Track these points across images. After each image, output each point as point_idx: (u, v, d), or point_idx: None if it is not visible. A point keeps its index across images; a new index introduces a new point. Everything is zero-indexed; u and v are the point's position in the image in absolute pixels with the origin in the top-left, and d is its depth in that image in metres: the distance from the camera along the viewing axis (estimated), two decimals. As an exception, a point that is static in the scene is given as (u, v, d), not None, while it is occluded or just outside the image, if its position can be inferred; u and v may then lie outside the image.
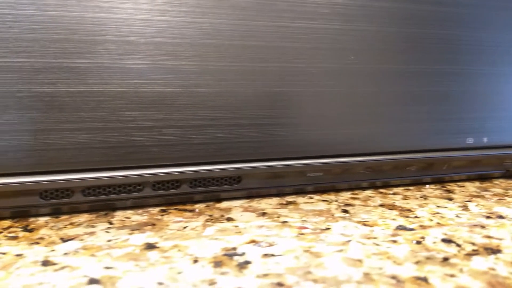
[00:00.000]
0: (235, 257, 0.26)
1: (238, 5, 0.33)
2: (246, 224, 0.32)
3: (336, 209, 0.36)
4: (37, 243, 0.29)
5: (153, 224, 0.32)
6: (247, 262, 0.26)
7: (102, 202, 0.34)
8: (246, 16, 0.34)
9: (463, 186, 0.44)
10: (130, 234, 0.30)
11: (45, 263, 0.26)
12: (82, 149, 0.31)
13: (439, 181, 0.45)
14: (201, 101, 0.33)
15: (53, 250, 0.27)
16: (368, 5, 0.37)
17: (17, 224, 0.32)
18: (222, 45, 0.33)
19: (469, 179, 0.47)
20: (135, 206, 0.36)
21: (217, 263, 0.25)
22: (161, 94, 0.32)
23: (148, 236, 0.30)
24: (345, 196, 0.40)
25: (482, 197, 0.40)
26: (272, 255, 0.27)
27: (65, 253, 0.27)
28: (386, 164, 0.40)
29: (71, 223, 0.32)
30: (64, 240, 0.29)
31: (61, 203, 0.32)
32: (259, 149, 0.35)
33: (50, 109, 0.30)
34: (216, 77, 0.33)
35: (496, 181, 0.47)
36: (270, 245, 0.28)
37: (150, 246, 0.28)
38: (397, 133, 0.39)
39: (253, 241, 0.29)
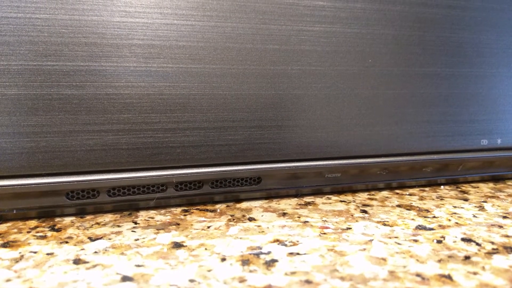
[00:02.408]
0: (262, 256, 0.27)
1: (260, 9, 0.34)
2: (269, 224, 0.33)
3: (355, 209, 0.37)
4: (66, 242, 0.29)
5: (177, 224, 0.33)
6: (274, 261, 0.26)
7: (127, 202, 0.34)
8: (267, 20, 0.34)
9: (478, 187, 0.45)
10: (156, 233, 0.31)
11: (77, 261, 0.26)
12: (108, 150, 0.32)
13: (453, 182, 0.46)
14: (223, 104, 0.34)
15: (82, 249, 0.28)
16: (385, 9, 0.38)
17: (43, 224, 0.33)
18: (244, 48, 0.34)
19: (483, 180, 0.47)
20: (158, 206, 0.36)
21: (245, 261, 0.26)
22: (185, 97, 0.33)
23: (174, 235, 0.30)
24: (362, 197, 0.41)
25: (497, 197, 0.41)
26: (298, 253, 0.27)
27: (95, 252, 0.28)
28: (402, 165, 0.41)
29: (97, 223, 0.33)
30: (92, 239, 0.30)
31: (86, 203, 0.33)
32: (279, 150, 0.36)
33: (78, 111, 0.31)
34: (238, 80, 0.34)
35: (510, 182, 0.47)
36: (294, 244, 0.29)
37: (178, 245, 0.29)
38: (413, 134, 0.40)
39: (277, 240, 0.29)
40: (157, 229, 0.32)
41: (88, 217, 0.34)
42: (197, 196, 0.36)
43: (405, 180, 0.43)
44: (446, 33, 0.40)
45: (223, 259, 0.26)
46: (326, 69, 0.37)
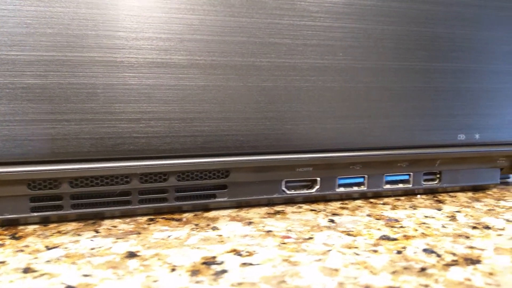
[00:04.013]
0: (213, 266, 0.27)
1: (228, 2, 0.34)
2: (231, 233, 0.32)
3: (323, 218, 0.36)
4: (22, 250, 0.29)
5: (139, 233, 0.32)
6: (224, 271, 0.26)
7: (89, 194, 0.35)
8: (235, 12, 0.34)
9: (455, 197, 0.44)
10: (114, 242, 0.30)
11: (26, 270, 0.26)
12: (70, 140, 0.32)
13: (431, 192, 0.45)
14: (189, 94, 0.34)
15: (36, 258, 0.28)
16: (357, 3, 0.37)
17: (6, 232, 0.32)
18: (212, 40, 0.34)
19: (463, 190, 0.47)
20: (124, 215, 0.36)
21: (194, 272, 0.26)
22: (150, 87, 0.33)
23: (131, 245, 0.30)
24: (334, 206, 0.40)
25: (472, 207, 0.40)
26: (251, 264, 0.27)
27: (48, 261, 0.27)
28: (376, 159, 0.40)
29: (59, 231, 0.33)
30: (48, 248, 0.29)
31: (49, 195, 0.33)
32: (247, 142, 0.36)
33: (41, 100, 0.31)
34: (205, 72, 0.34)
35: (490, 192, 0.46)
36: (250, 254, 0.28)
37: (132, 255, 0.28)
38: (387, 129, 0.39)
39: (234, 250, 0.29)
40: (116, 238, 0.31)
41: (51, 225, 0.34)
42: (164, 189, 0.36)
43: (379, 174, 0.42)
44: (420, 27, 0.40)
45: (173, 269, 0.26)
46: (296, 62, 0.36)
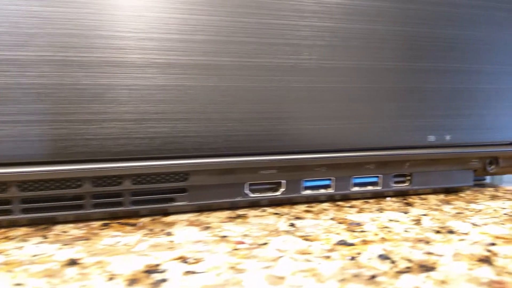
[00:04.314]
0: (154, 275, 0.25)
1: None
2: (184, 239, 0.31)
3: (284, 222, 0.35)
4: (-40, 258, 0.28)
5: (88, 239, 0.31)
6: (163, 280, 0.25)
7: (41, 198, 0.33)
8: (194, 10, 0.33)
9: (426, 199, 0.43)
10: (59, 249, 0.29)
11: (-41, 279, 0.25)
12: (18, 142, 0.31)
13: (402, 194, 0.44)
14: (145, 95, 0.33)
15: (-28, 266, 0.26)
16: (325, 2, 0.36)
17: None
18: (171, 39, 0.33)
19: (435, 192, 0.46)
20: (77, 220, 0.35)
21: (132, 281, 0.25)
22: (103, 87, 0.32)
23: (77, 251, 0.29)
24: (299, 209, 0.39)
25: (441, 210, 0.39)
26: (194, 272, 0.26)
27: (-17, 269, 0.26)
28: (342, 161, 0.39)
29: (6, 237, 0.32)
30: (-11, 255, 0.28)
31: None
32: (207, 144, 0.35)
33: None
34: (163, 71, 0.33)
35: (463, 194, 0.45)
36: (197, 261, 0.27)
37: (73, 262, 0.27)
38: (354, 130, 0.38)
39: (181, 258, 0.28)
40: (63, 244, 0.30)
41: (1, 230, 0.33)
42: (117, 192, 0.35)
43: (347, 176, 0.40)
44: (391, 27, 0.39)
45: (111, 278, 0.25)
46: (260, 62, 0.35)
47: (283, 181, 0.39)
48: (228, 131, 0.35)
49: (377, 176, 0.42)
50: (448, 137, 0.41)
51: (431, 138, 0.41)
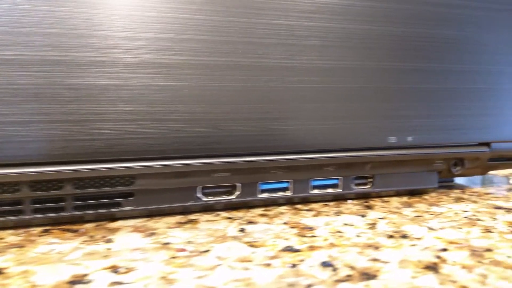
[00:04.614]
0: (77, 286, 0.24)
1: None
2: (123, 246, 0.30)
3: (235, 227, 0.33)
4: None
5: (22, 246, 0.30)
6: (85, 292, 0.23)
7: None
8: (135, 8, 0.31)
9: (388, 202, 0.42)
10: (-11, 258, 0.28)
11: None
12: None
13: (364, 197, 0.43)
14: (86, 94, 0.32)
15: None
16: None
17: None
18: (114, 37, 0.32)
19: (399, 195, 0.44)
20: (18, 225, 0.33)
21: (52, 293, 0.23)
22: (41, 87, 0.31)
23: (5, 260, 0.27)
24: (255, 213, 0.38)
25: (400, 213, 0.38)
26: (121, 283, 0.24)
27: None
28: (298, 163, 0.37)
29: None
30: None
31: None
32: (154, 146, 0.33)
33: None
34: (106, 70, 0.32)
35: (427, 196, 0.44)
36: (128, 271, 0.26)
37: (-2, 272, 0.25)
38: (312, 131, 0.37)
39: (113, 267, 0.26)
40: (-6, 253, 0.28)
41: None
42: (59, 197, 0.33)
43: (305, 179, 0.39)
44: (358, 25, 0.38)
45: (31, 290, 0.23)
46: (207, 60, 0.34)
47: (238, 184, 0.38)
48: (176, 133, 0.33)
49: (337, 178, 0.41)
50: (410, 138, 0.40)
51: (392, 139, 0.39)
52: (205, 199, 0.37)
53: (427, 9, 0.40)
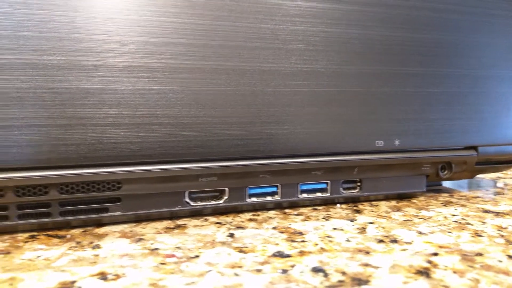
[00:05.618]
0: (65, 293, 0.23)
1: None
2: (110, 252, 0.29)
3: (223, 233, 0.33)
4: None
5: (8, 252, 0.29)
6: (73, 299, 0.23)
7: None
8: (118, 11, 0.31)
9: (377, 206, 0.41)
10: (-27, 265, 0.27)
11: None
12: None
13: (353, 201, 0.43)
14: (69, 98, 0.31)
15: None
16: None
17: None
18: (97, 40, 0.31)
19: (388, 198, 0.44)
20: (3, 231, 0.33)
21: (39, 301, 0.22)
22: (23, 91, 0.30)
23: (-10, 268, 0.26)
24: (243, 217, 0.37)
25: (389, 217, 0.37)
26: (110, 289, 0.24)
27: None
28: (286, 167, 0.37)
29: None
30: None
31: None
32: (139, 151, 0.33)
33: None
34: (87, 74, 0.31)
35: (415, 200, 0.44)
36: (117, 277, 0.25)
37: (-18, 280, 0.25)
38: (298, 135, 0.37)
39: (101, 273, 0.26)
40: (-21, 260, 0.28)
41: None
42: (44, 203, 0.33)
43: (293, 183, 0.39)
44: (341, 29, 0.37)
45: (17, 298, 0.23)
46: (193, 64, 0.34)
47: (226, 189, 0.37)
48: (161, 137, 0.33)
49: (326, 183, 0.41)
50: (397, 142, 0.40)
51: (379, 143, 0.39)
52: (193, 204, 0.37)
53: (415, 14, 0.40)
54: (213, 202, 0.38)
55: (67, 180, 0.32)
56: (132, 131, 0.33)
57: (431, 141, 0.42)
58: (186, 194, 0.37)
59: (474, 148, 0.44)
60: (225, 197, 0.38)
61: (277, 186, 0.40)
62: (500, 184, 0.55)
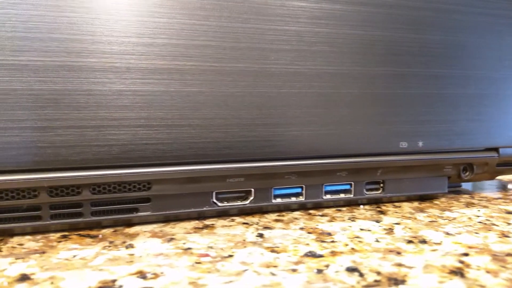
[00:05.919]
0: (108, 291, 0.24)
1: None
2: (145, 252, 0.29)
3: (252, 233, 0.34)
4: None
5: (44, 252, 0.29)
6: (117, 297, 0.23)
7: None
8: (147, 14, 0.32)
9: (400, 207, 0.42)
10: (12, 263, 0.28)
11: None
12: None
13: (376, 202, 0.43)
14: (102, 100, 0.32)
15: None
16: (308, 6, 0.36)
17: None
18: (129, 42, 0.32)
19: (410, 200, 0.44)
20: (36, 231, 0.33)
21: (84, 299, 0.23)
22: (58, 92, 0.31)
23: (29, 266, 0.27)
24: (269, 218, 0.38)
25: (414, 218, 0.38)
26: (151, 288, 0.24)
27: None
28: (311, 168, 0.37)
29: (-44, 252, 0.29)
30: None
31: None
32: (170, 152, 0.33)
33: None
34: (121, 76, 0.32)
35: (437, 201, 0.44)
36: (156, 276, 0.26)
37: (24, 278, 0.25)
38: (324, 136, 0.37)
39: (140, 272, 0.26)
40: (16, 258, 0.28)
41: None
42: (77, 203, 0.33)
43: (318, 184, 0.39)
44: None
45: (62, 296, 0.23)
46: (222, 66, 0.34)
47: (252, 190, 0.38)
48: (192, 138, 0.33)
49: (349, 184, 0.41)
50: (420, 144, 0.40)
51: (404, 145, 0.40)
52: (220, 204, 0.37)
53: (442, 16, 0.41)
54: (239, 203, 0.38)
55: (100, 181, 0.32)
56: (163, 132, 0.33)
57: (453, 142, 0.42)
58: (214, 194, 0.37)
59: (495, 149, 0.44)
60: (251, 198, 0.38)
61: (301, 187, 0.40)
62: (511, 185, 0.56)
